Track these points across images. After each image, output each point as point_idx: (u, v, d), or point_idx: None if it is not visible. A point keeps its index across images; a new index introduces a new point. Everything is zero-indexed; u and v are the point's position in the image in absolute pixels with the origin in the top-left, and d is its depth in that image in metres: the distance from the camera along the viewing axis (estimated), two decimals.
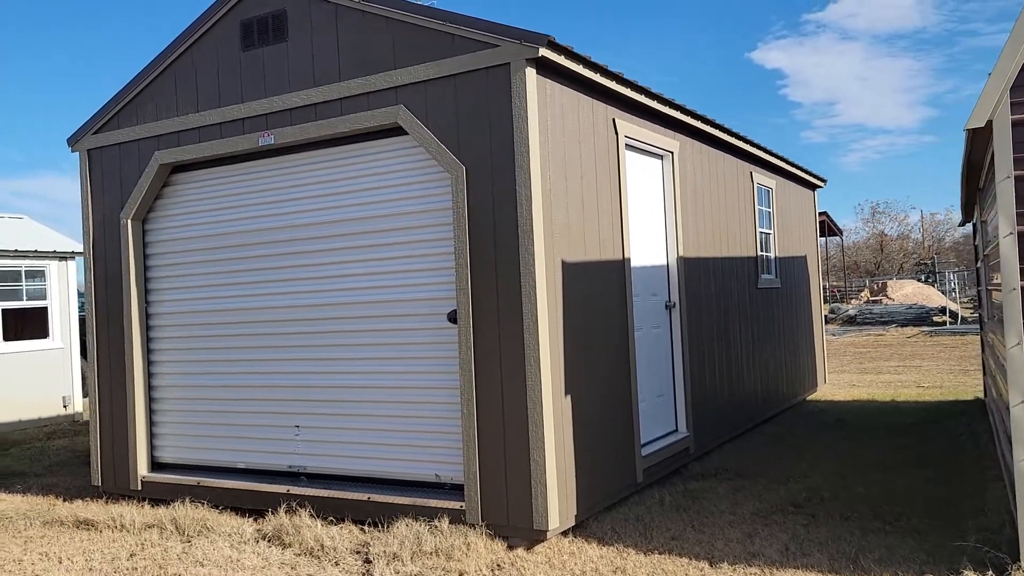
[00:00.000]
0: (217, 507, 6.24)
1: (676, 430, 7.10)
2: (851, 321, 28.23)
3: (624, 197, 6.16)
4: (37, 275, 12.40)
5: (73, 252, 12.81)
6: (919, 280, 43.82)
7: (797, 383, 10.87)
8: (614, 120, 6.10)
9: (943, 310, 27.77)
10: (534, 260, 4.98)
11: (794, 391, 10.69)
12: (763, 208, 9.81)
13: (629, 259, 6.18)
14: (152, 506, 6.52)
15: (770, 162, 9.85)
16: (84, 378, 13.22)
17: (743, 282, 8.87)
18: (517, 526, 5.06)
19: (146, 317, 6.93)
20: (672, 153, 7.11)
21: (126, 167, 6.83)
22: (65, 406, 12.57)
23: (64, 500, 7.09)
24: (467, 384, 5.22)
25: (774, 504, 5.87)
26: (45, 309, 12.50)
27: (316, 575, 4.84)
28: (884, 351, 18.95)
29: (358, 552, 5.19)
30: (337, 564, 5.02)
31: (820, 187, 12.62)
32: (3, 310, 11.91)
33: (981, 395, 10.76)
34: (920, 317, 27.31)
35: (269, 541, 5.50)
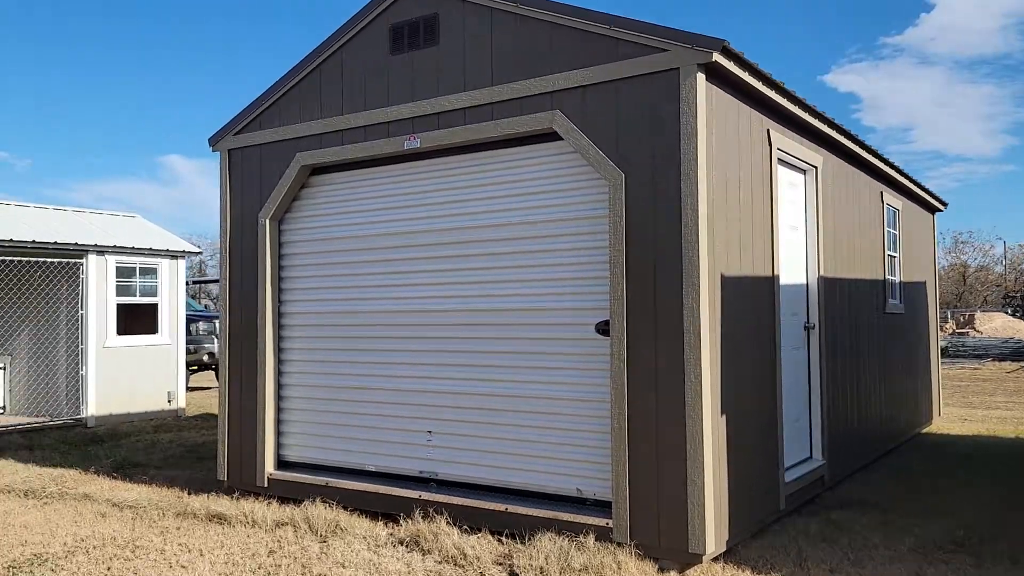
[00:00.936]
0: (346, 509, 6.22)
1: (811, 457, 6.80)
2: (943, 353, 27.11)
3: (775, 211, 5.94)
4: (149, 272, 12.77)
5: (184, 251, 13.17)
6: (1007, 313, 41.93)
7: (916, 415, 10.38)
8: (768, 131, 5.89)
9: None
10: (698, 273, 4.81)
11: (913, 423, 10.21)
12: (891, 230, 9.42)
13: (778, 276, 5.95)
14: (280, 504, 6.55)
15: (898, 182, 9.47)
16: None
17: (872, 306, 8.50)
18: (669, 548, 4.86)
19: (278, 316, 6.99)
20: (816, 168, 6.85)
21: (266, 168, 6.93)
22: (169, 401, 12.89)
23: (189, 493, 7.19)
24: (618, 398, 5.07)
25: (932, 541, 5.54)
26: (155, 305, 12.86)
27: None
28: (986, 385, 18.06)
29: (500, 563, 5.07)
30: (483, 574, 4.91)
31: (940, 211, 12.10)
32: (118, 305, 12.28)
33: None
34: (1018, 351, 26.06)
35: (407, 546, 5.43)
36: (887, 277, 9.11)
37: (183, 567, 5.21)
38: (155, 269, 12.81)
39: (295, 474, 6.71)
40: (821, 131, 6.70)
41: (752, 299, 5.56)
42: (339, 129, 6.47)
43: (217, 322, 19.80)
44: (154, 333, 12.81)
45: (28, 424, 11.26)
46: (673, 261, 4.90)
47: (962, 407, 14.21)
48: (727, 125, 5.24)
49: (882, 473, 8.04)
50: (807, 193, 6.87)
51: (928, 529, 5.84)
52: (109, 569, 5.21)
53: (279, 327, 6.99)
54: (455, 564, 5.10)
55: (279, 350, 6.99)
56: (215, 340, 19.45)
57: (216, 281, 40.17)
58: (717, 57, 4.82)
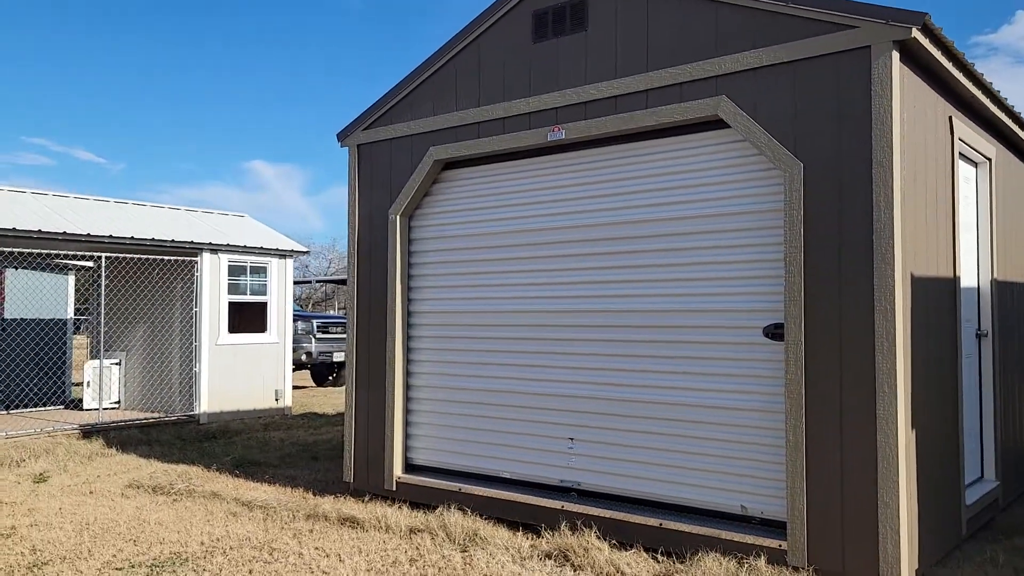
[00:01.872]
0: (481, 516, 5.95)
1: (982, 477, 6.19)
2: None
3: (957, 207, 5.40)
4: (258, 271, 12.88)
5: (293, 251, 13.24)
6: None
7: None
8: (950, 118, 5.36)
9: None
10: (893, 272, 4.34)
11: None
12: None
13: (959, 278, 5.41)
14: (411, 509, 6.33)
15: None
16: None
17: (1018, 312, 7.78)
18: (854, 573, 4.40)
19: (407, 315, 6.79)
20: (990, 160, 6.25)
21: (397, 163, 6.74)
22: (277, 400, 12.96)
23: (314, 494, 7.06)
24: (794, 408, 4.63)
25: None
26: (264, 304, 12.96)
27: None
28: None
29: None
30: None
31: None
32: (229, 303, 12.41)
33: None
34: None
35: (555, 560, 5.12)
36: None
37: (325, 573, 5.02)
38: (265, 268, 12.92)
39: (425, 478, 6.49)
40: (998, 119, 6.10)
41: (936, 302, 5.04)
42: (476, 121, 6.23)
43: (315, 322, 20.06)
44: (263, 332, 12.91)
45: (144, 419, 11.46)
46: (862, 259, 4.44)
47: None
48: (915, 110, 4.75)
49: None
50: (979, 188, 6.27)
51: None
52: (251, 572, 5.07)
53: (408, 326, 6.79)
54: None
55: (408, 350, 6.79)
56: (312, 339, 19.69)
57: (307, 282, 41.02)
58: (916, 34, 4.35)
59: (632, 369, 5.51)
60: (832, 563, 4.48)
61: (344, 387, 19.94)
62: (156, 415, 11.88)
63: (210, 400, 11.95)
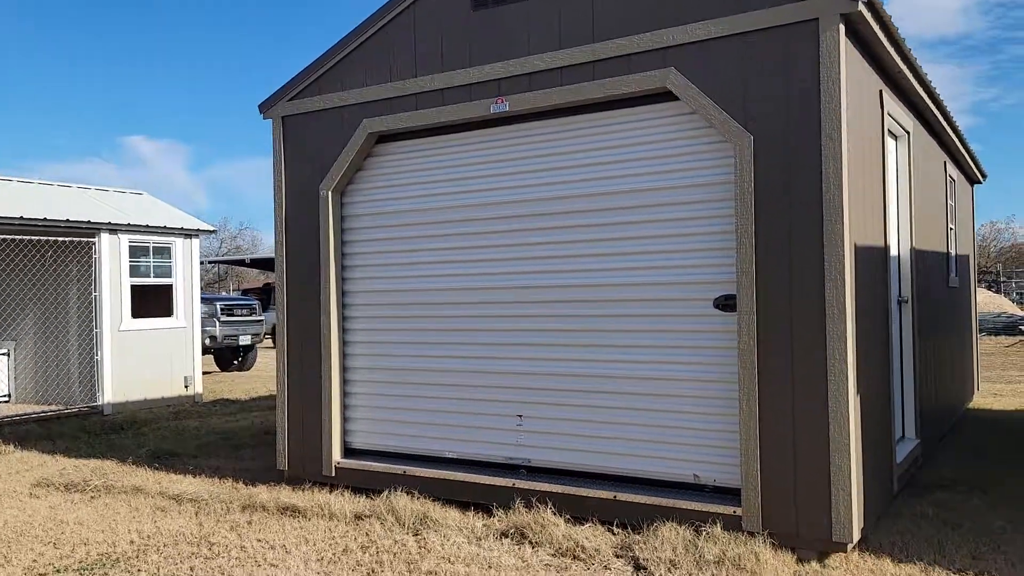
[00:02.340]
0: (428, 498, 5.82)
1: (904, 437, 6.53)
2: None
3: (886, 178, 5.60)
4: (162, 252, 12.20)
5: (198, 230, 12.60)
6: (983, 287, 42.36)
7: (965, 390, 10.19)
8: (880, 92, 5.54)
9: None
10: (842, 242, 4.45)
11: (963, 398, 10.02)
12: (949, 202, 9.16)
13: (890, 247, 5.63)
14: (353, 494, 6.15)
15: (956, 152, 9.18)
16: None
17: (941, 280, 8.24)
18: (809, 537, 4.54)
19: (342, 295, 6.55)
20: (908, 134, 6.52)
21: (327, 136, 6.45)
22: (186, 387, 12.37)
23: (244, 484, 6.76)
24: (747, 377, 4.72)
25: None
26: (169, 287, 12.31)
27: None
28: (992, 360, 18.02)
29: (621, 555, 4.72)
30: (608, 568, 4.56)
31: (980, 183, 11.88)
32: (132, 286, 11.71)
33: None
34: (1010, 325, 26.14)
35: (511, 538, 5.06)
36: (949, 251, 8.86)
37: (273, 566, 4.80)
38: (168, 248, 12.25)
39: (366, 462, 6.31)
40: (917, 94, 6.36)
41: (872, 271, 5.22)
42: (413, 92, 6.01)
43: (219, 304, 19.24)
44: (169, 316, 12.26)
45: (42, 413, 10.71)
46: (812, 229, 4.53)
47: (984, 382, 14.11)
48: (854, 83, 4.87)
49: (958, 451, 7.79)
50: (899, 160, 6.54)
51: None
52: (192, 570, 4.79)
53: (343, 306, 6.55)
54: (573, 557, 4.74)
55: (343, 331, 6.55)
56: (217, 323, 18.90)
57: (228, 262, 39.31)
58: (861, 7, 4.44)
59: (582, 344, 5.49)
60: (786, 526, 4.61)
61: (251, 372, 19.29)
62: (55, 408, 11.12)
63: (114, 390, 11.29)
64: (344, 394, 6.54)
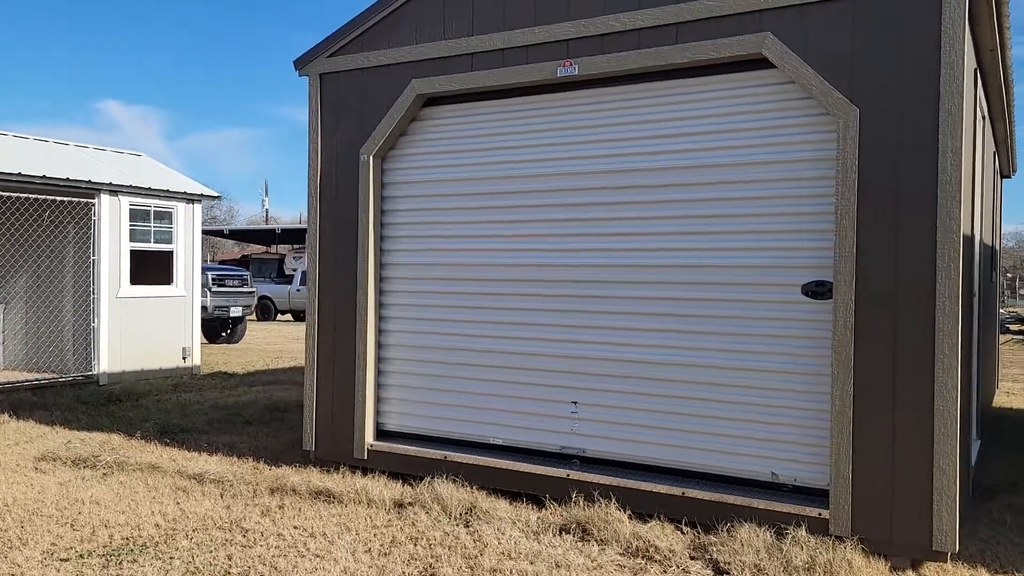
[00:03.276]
0: (472, 487, 5.44)
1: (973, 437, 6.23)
2: None
3: (976, 161, 5.27)
4: (163, 217, 11.66)
5: (202, 195, 12.06)
6: None
7: (991, 388, 9.98)
8: (976, 70, 5.19)
9: (1019, 318, 26.58)
10: (958, 228, 4.10)
11: (991, 396, 9.80)
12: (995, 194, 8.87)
13: (974, 235, 5.30)
14: (390, 480, 5.76)
15: (1003, 141, 8.88)
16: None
17: (988, 274, 7.96)
18: (905, 544, 4.23)
19: (379, 266, 6.12)
20: (985, 119, 6.19)
21: (371, 96, 6.00)
22: (184, 358, 11.89)
23: (266, 464, 6.35)
24: (842, 371, 4.37)
25: None
26: (170, 254, 11.78)
27: None
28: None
29: (695, 558, 4.38)
30: (687, 572, 4.21)
31: (1009, 177, 11.63)
32: (131, 252, 11.17)
33: None
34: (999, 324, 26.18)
35: (572, 534, 4.71)
36: (994, 244, 8.59)
37: (319, 556, 4.41)
38: (170, 213, 11.71)
39: (402, 445, 5.91)
40: (998, 76, 6.02)
41: (967, 262, 4.89)
42: (469, 52, 5.57)
43: (211, 274, 18.67)
44: (168, 284, 11.74)
45: (35, 380, 10.19)
46: (924, 214, 4.18)
47: None
48: (968, 58, 4.51)
49: (1003, 452, 7.55)
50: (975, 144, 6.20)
51: None
52: (230, 558, 4.39)
53: (380, 279, 6.13)
54: (646, 557, 4.39)
55: (380, 305, 6.13)
56: (208, 293, 18.35)
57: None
58: None
59: (648, 328, 5.12)
60: (878, 532, 4.29)
61: (241, 344, 18.75)
62: (47, 376, 10.60)
63: (111, 359, 10.78)
64: (379, 373, 6.13)
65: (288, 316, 31.32)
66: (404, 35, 5.86)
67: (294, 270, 34.61)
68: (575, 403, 5.37)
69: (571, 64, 5.18)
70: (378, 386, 6.13)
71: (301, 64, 6.30)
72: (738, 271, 4.83)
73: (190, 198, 11.88)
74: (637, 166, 5.13)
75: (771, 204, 4.73)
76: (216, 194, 12.27)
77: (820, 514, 4.43)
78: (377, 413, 6.13)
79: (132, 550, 4.51)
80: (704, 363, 4.93)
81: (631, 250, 5.16)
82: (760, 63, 4.68)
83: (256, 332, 22.98)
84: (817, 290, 4.58)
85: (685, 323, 4.99)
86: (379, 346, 6.13)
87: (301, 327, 27.56)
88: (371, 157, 5.99)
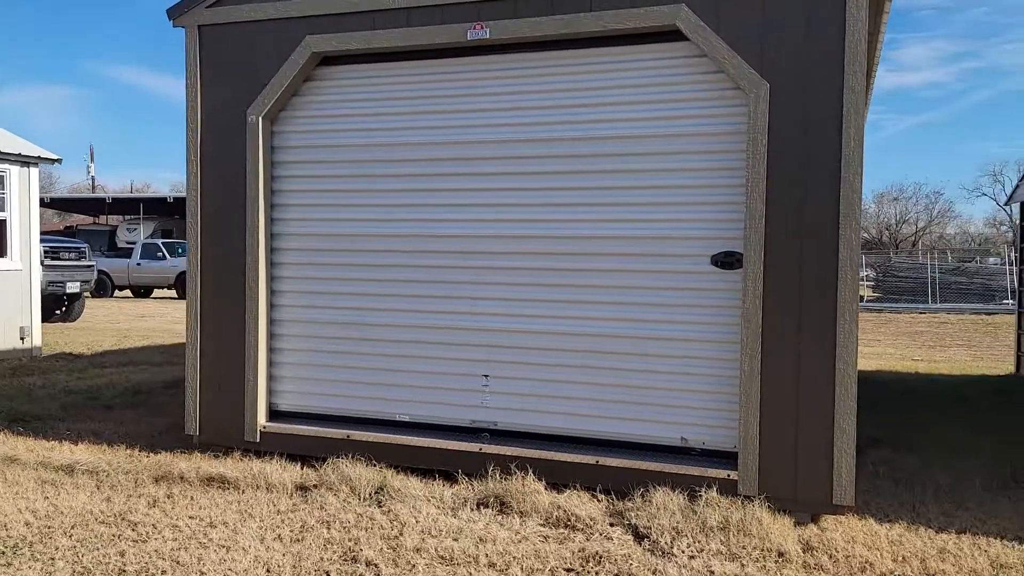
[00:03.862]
0: (381, 465, 5.25)
1: None
2: None
3: None
4: None
5: (39, 158, 10.92)
6: None
7: None
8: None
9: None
10: (859, 199, 4.34)
11: None
12: None
13: None
14: (288, 462, 5.45)
15: None
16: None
17: None
18: (809, 500, 4.47)
19: (270, 236, 5.75)
20: None
21: (259, 51, 5.58)
22: (23, 338, 10.81)
23: (144, 451, 5.87)
24: (751, 338, 4.54)
25: (987, 477, 5.52)
26: (3, 223, 10.61)
27: (603, 552, 4.06)
28: None
29: (615, 524, 4.44)
30: (609, 538, 4.26)
31: None
32: None
33: (1012, 370, 11.07)
34: None
35: (492, 508, 4.65)
36: None
37: (224, 547, 4.12)
38: (2, 178, 10.52)
39: (298, 426, 5.62)
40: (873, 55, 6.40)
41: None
42: (370, 9, 5.29)
43: (43, 246, 17.03)
44: (2, 257, 10.58)
45: None
46: (830, 186, 4.39)
47: None
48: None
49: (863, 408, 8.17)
50: None
51: (967, 466, 5.87)
52: (123, 555, 4.02)
53: (271, 250, 5.76)
54: (568, 526, 4.41)
55: (271, 278, 5.77)
56: (40, 267, 16.73)
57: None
58: None
59: (560, 300, 5.10)
60: (784, 490, 4.51)
61: (79, 323, 17.27)
62: None
63: None
64: (271, 350, 5.79)
65: (127, 292, 29.24)
66: None
67: (129, 242, 32.30)
68: (486, 376, 5.29)
69: (482, 27, 5.03)
70: (271, 364, 5.78)
71: (176, 13, 5.76)
72: (646, 242, 4.90)
73: (25, 160, 10.73)
74: (548, 135, 5.08)
75: (682, 176, 4.82)
76: (56, 157, 11.15)
77: (729, 475, 4.61)
78: (270, 393, 5.79)
79: (3, 552, 4.02)
80: (612, 333, 4.98)
81: (539, 220, 5.12)
82: (675, 35, 4.72)
83: (94, 310, 21.28)
84: (726, 260, 4.72)
85: (594, 294, 5.02)
86: (271, 321, 5.78)
87: (143, 304, 25.80)
88: (260, 118, 5.58)
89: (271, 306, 5.77)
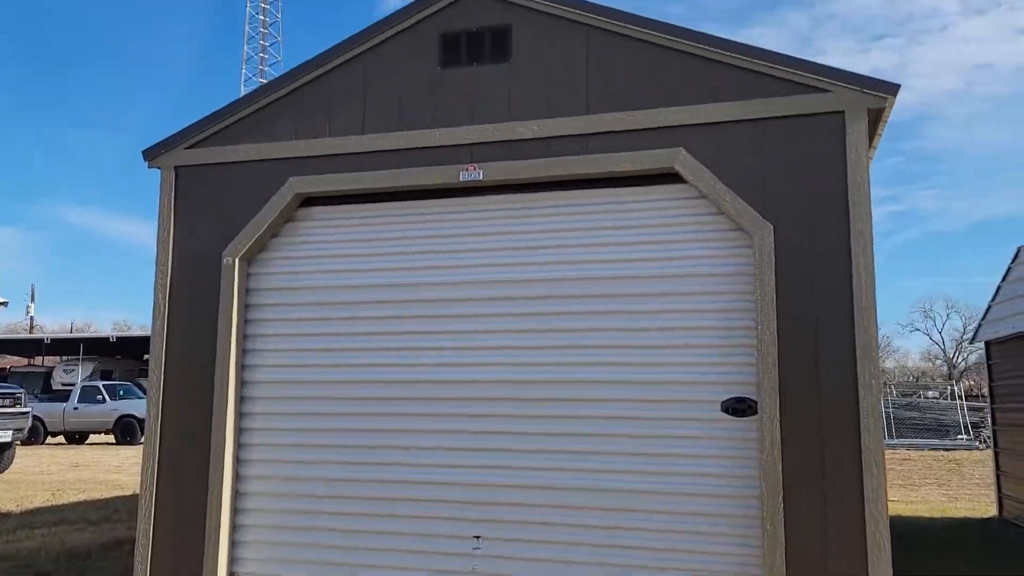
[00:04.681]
0: None
1: None
2: None
3: None
4: None
5: None
6: None
7: None
8: None
9: None
10: (875, 343, 4.18)
11: None
12: None
13: None
14: None
15: None
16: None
17: None
18: None
19: (240, 384, 5.34)
20: None
21: (239, 192, 5.38)
22: None
23: None
24: (771, 492, 4.22)
25: None
26: None
27: None
28: None
29: None
30: None
31: None
32: None
33: (995, 513, 10.83)
34: None
35: None
36: None
37: None
38: None
39: None
40: None
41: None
42: (359, 151, 5.17)
43: None
44: None
45: None
46: (843, 329, 4.24)
47: None
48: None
49: None
50: None
51: None
52: None
53: (241, 400, 5.33)
54: None
55: (239, 430, 5.31)
56: None
57: None
58: (886, 106, 4.35)
59: (557, 450, 4.75)
60: None
61: (9, 475, 16.00)
62: None
63: None
64: (235, 510, 5.24)
65: (60, 439, 27.59)
66: (281, 130, 5.36)
67: (66, 384, 30.80)
68: (477, 537, 4.82)
69: (475, 169, 4.93)
70: (234, 528, 5.22)
71: (153, 155, 5.57)
72: (654, 387, 4.64)
73: None
74: (544, 276, 4.89)
75: (686, 318, 4.64)
76: (3, 300, 10.59)
77: None
78: (231, 561, 5.19)
79: None
80: (618, 487, 4.61)
81: (539, 364, 4.84)
82: (671, 177, 4.67)
83: (24, 459, 19.86)
84: (737, 407, 4.47)
85: (599, 443, 4.68)
86: (236, 477, 5.26)
87: (78, 451, 24.26)
88: (236, 260, 5.30)
89: (237, 460, 5.28)
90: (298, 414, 5.25)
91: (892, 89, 4.31)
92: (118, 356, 32.75)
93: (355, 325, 5.21)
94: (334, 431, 5.17)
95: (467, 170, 4.94)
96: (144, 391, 24.14)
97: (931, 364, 63.74)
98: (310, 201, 5.39)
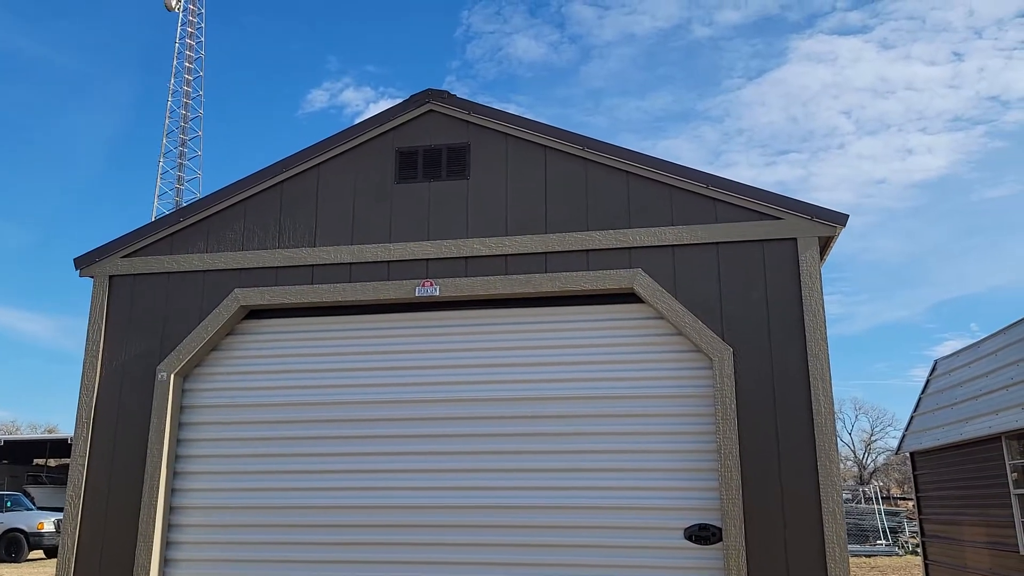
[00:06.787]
0: None
1: None
2: None
3: None
4: None
5: None
6: None
7: None
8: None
9: None
10: (837, 468, 4.18)
11: None
12: None
13: None
14: None
15: None
16: None
17: None
18: None
19: (168, 511, 4.94)
20: None
21: (177, 304, 5.12)
22: None
23: None
24: None
25: None
26: None
27: None
28: None
29: None
30: None
31: None
32: None
33: None
34: None
35: None
36: None
37: None
38: None
39: None
40: None
41: None
42: (310, 264, 5.03)
43: None
44: None
45: None
46: (805, 453, 4.23)
47: None
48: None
49: None
50: None
51: None
52: None
53: (168, 527, 4.92)
54: None
55: (164, 561, 4.87)
56: None
57: None
58: (836, 234, 4.51)
59: None
60: None
61: None
62: None
63: None
64: None
65: None
66: (225, 239, 5.18)
67: None
68: None
69: (432, 284, 4.84)
70: None
71: (86, 263, 5.29)
72: (611, 513, 4.50)
73: None
74: (504, 395, 4.76)
75: (643, 440, 4.56)
76: None
77: None
78: None
79: None
80: None
81: (497, 488, 4.64)
82: (630, 297, 4.68)
83: None
84: (701, 534, 4.35)
85: (555, 572, 4.46)
86: None
87: None
88: (172, 375, 5.00)
89: None
90: (231, 543, 4.86)
91: (841, 219, 4.48)
92: (5, 461, 30.32)
93: (298, 446, 4.93)
94: (275, 561, 4.78)
95: (423, 286, 4.85)
96: (34, 501, 22.33)
97: (842, 466, 65.32)
98: (255, 314, 5.18)
